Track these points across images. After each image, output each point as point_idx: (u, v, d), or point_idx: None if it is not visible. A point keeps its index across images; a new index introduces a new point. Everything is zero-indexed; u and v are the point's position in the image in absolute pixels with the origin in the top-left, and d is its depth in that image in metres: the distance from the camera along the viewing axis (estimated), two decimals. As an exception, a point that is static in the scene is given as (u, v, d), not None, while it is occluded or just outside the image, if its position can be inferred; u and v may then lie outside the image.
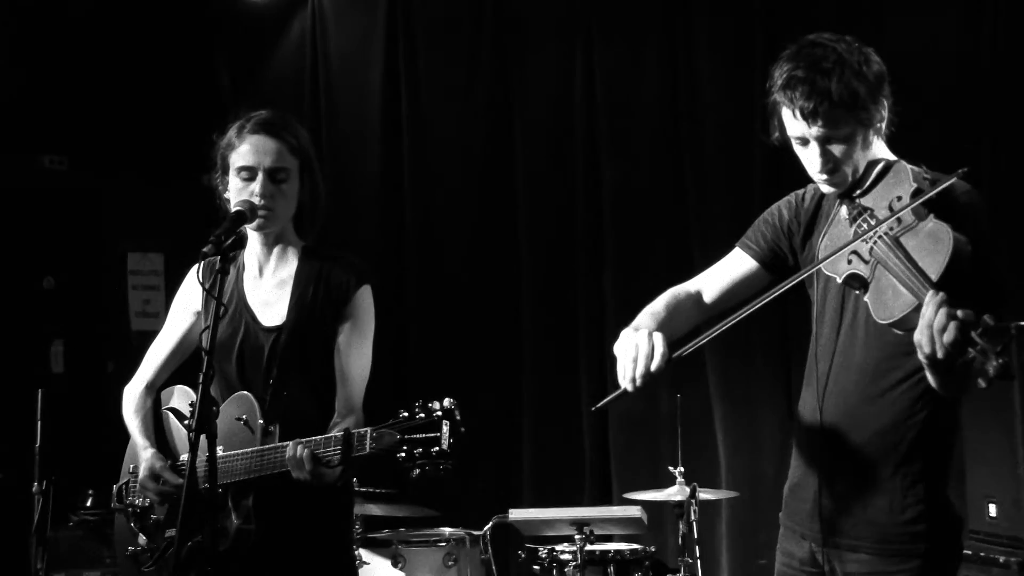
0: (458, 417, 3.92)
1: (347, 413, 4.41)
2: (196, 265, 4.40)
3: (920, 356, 3.27)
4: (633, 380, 3.65)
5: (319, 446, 4.10)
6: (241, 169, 4.50)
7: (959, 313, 3.16)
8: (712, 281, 4.13)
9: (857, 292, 3.68)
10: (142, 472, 4.58)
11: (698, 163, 8.31)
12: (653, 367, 3.63)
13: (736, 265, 4.11)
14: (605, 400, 3.80)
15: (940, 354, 3.19)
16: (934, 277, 3.32)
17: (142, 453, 4.62)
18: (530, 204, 8.93)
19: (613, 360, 3.83)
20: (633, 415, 8.36)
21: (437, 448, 3.89)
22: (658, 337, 3.68)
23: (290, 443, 4.14)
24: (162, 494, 4.54)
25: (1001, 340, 3.11)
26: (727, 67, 8.20)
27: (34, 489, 6.95)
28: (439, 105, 9.24)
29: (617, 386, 3.71)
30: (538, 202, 8.91)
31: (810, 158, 3.77)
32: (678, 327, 4.01)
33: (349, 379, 4.48)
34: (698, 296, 4.12)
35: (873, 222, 3.60)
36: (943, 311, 3.19)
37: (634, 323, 3.90)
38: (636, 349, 3.66)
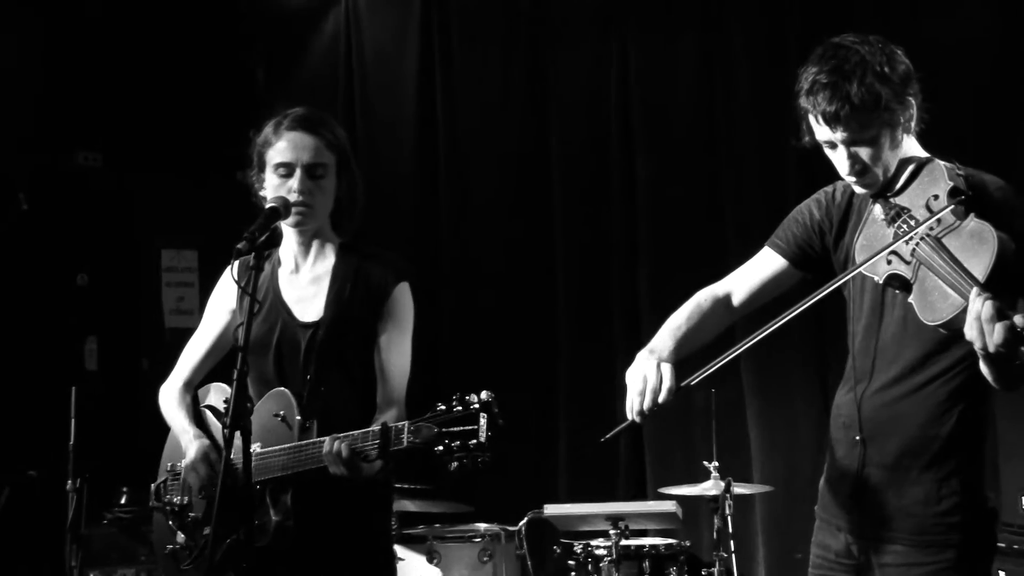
0: (496, 410, 3.92)
1: (388, 407, 4.42)
2: (231, 263, 4.41)
3: (976, 349, 3.28)
4: (641, 413, 3.78)
5: (356, 440, 4.10)
6: (279, 166, 4.50)
7: (1010, 314, 3.18)
8: (742, 281, 4.15)
9: (897, 291, 3.69)
10: (194, 454, 4.54)
11: (733, 160, 8.32)
12: (661, 399, 3.75)
13: (766, 265, 4.13)
14: (613, 431, 3.87)
15: (991, 347, 3.22)
16: (980, 278, 3.34)
17: (194, 442, 4.57)
18: (565, 201, 8.95)
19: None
20: (667, 410, 8.34)
21: (475, 441, 3.89)
22: (666, 369, 3.79)
23: (327, 438, 4.15)
24: (209, 478, 4.53)
25: None
26: (762, 64, 8.21)
27: (68, 487, 6.97)
28: (474, 101, 9.25)
29: (625, 415, 3.81)
30: (573, 199, 8.92)
31: (839, 161, 3.79)
32: (704, 335, 4.09)
33: (390, 375, 4.48)
34: (727, 299, 4.14)
35: (913, 223, 3.61)
36: (990, 303, 3.22)
37: (651, 344, 3.99)
38: (644, 382, 3.78)
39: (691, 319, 4.06)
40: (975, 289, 3.30)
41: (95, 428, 7.29)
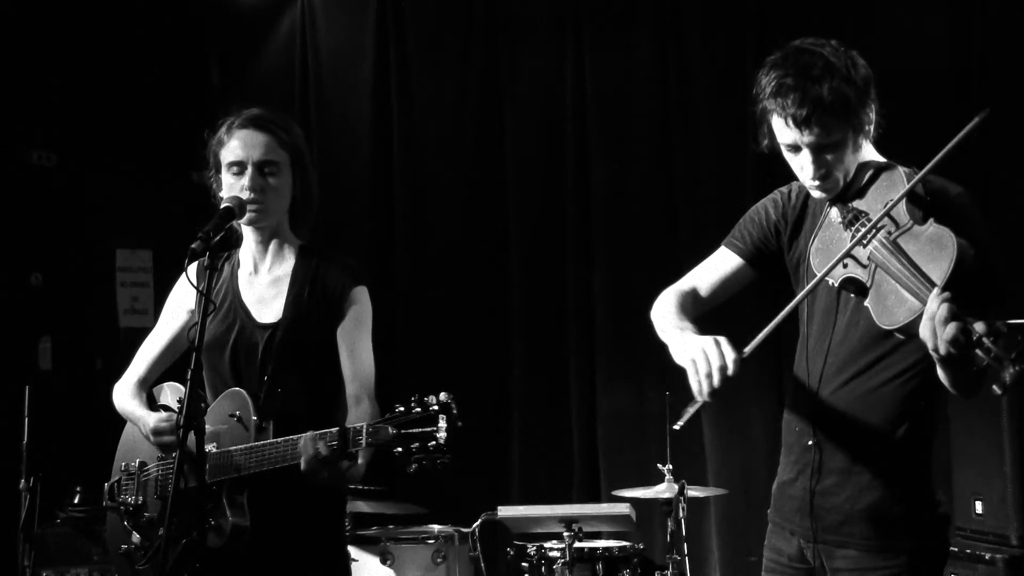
0: (455, 411, 3.91)
1: (360, 404, 4.40)
2: (192, 264, 4.40)
3: (930, 351, 3.30)
4: (712, 392, 3.63)
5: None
6: (231, 164, 4.51)
7: (969, 320, 3.19)
8: (702, 279, 4.14)
9: (852, 295, 3.70)
10: (157, 420, 4.55)
11: (689, 162, 8.34)
12: (730, 373, 3.61)
13: (723, 263, 4.12)
14: (685, 417, 3.73)
15: (942, 351, 3.22)
16: (939, 282, 3.34)
17: (151, 416, 4.59)
18: (520, 199, 8.94)
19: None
20: (622, 413, 8.39)
21: (434, 442, 3.88)
22: (724, 342, 3.65)
23: (305, 435, 4.12)
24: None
25: (1016, 347, 3.12)
26: (718, 64, 8.22)
27: (21, 486, 6.94)
28: (429, 101, 9.23)
29: (690, 396, 3.68)
30: (528, 198, 8.93)
31: (803, 165, 3.78)
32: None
33: (357, 374, 4.47)
34: (694, 293, 4.12)
35: (870, 224, 3.61)
36: (946, 305, 3.23)
37: (675, 325, 3.91)
38: (708, 362, 3.63)
39: (682, 305, 4.03)
40: (935, 290, 3.31)
41: (48, 427, 7.25)
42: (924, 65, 7.55)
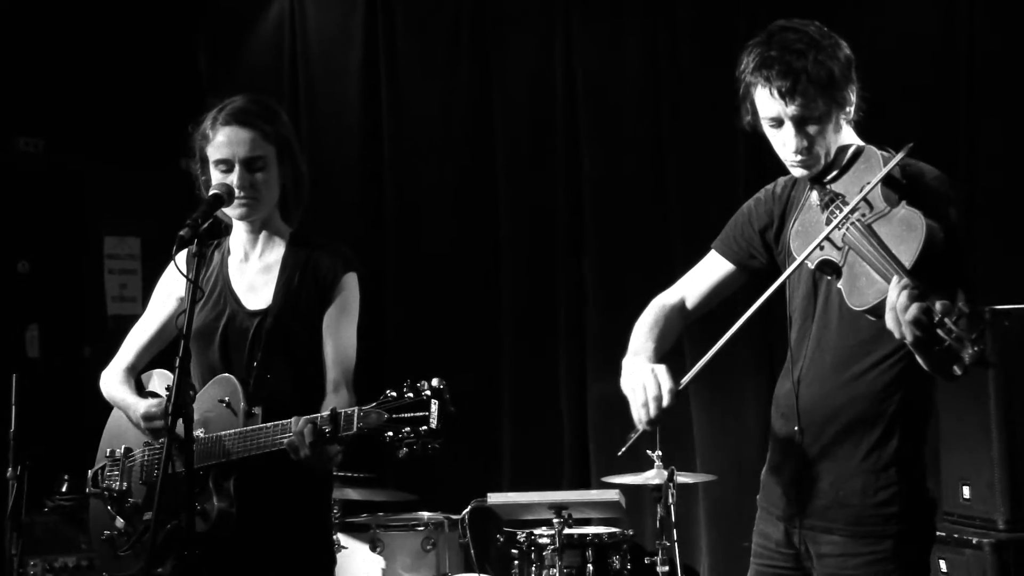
0: (447, 396, 3.93)
1: (337, 391, 4.41)
2: (182, 251, 4.39)
3: (898, 338, 3.31)
4: (650, 421, 3.72)
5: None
6: (218, 163, 4.50)
7: (933, 300, 3.20)
8: (692, 286, 4.17)
9: (829, 278, 3.72)
10: (148, 405, 4.55)
11: (680, 152, 8.33)
12: (665, 404, 3.69)
13: (714, 268, 4.15)
14: (627, 444, 3.88)
15: (908, 336, 3.24)
16: (907, 264, 3.36)
17: (141, 402, 4.59)
18: (510, 187, 8.93)
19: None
20: (612, 399, 8.37)
21: (425, 427, 3.89)
22: (661, 371, 3.74)
23: (297, 419, 4.11)
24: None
25: (976, 327, 3.14)
26: (708, 54, 8.21)
27: (9, 474, 6.92)
28: (419, 88, 9.21)
29: (631, 422, 3.79)
30: (518, 185, 8.91)
31: (785, 139, 3.79)
32: (669, 340, 4.07)
33: (337, 360, 4.47)
34: (681, 304, 4.15)
35: (845, 208, 3.63)
36: (905, 292, 3.26)
37: (632, 348, 3.97)
38: (644, 392, 3.71)
39: (658, 322, 4.07)
40: (895, 277, 3.33)
41: (36, 415, 7.24)
42: (914, 55, 7.55)
